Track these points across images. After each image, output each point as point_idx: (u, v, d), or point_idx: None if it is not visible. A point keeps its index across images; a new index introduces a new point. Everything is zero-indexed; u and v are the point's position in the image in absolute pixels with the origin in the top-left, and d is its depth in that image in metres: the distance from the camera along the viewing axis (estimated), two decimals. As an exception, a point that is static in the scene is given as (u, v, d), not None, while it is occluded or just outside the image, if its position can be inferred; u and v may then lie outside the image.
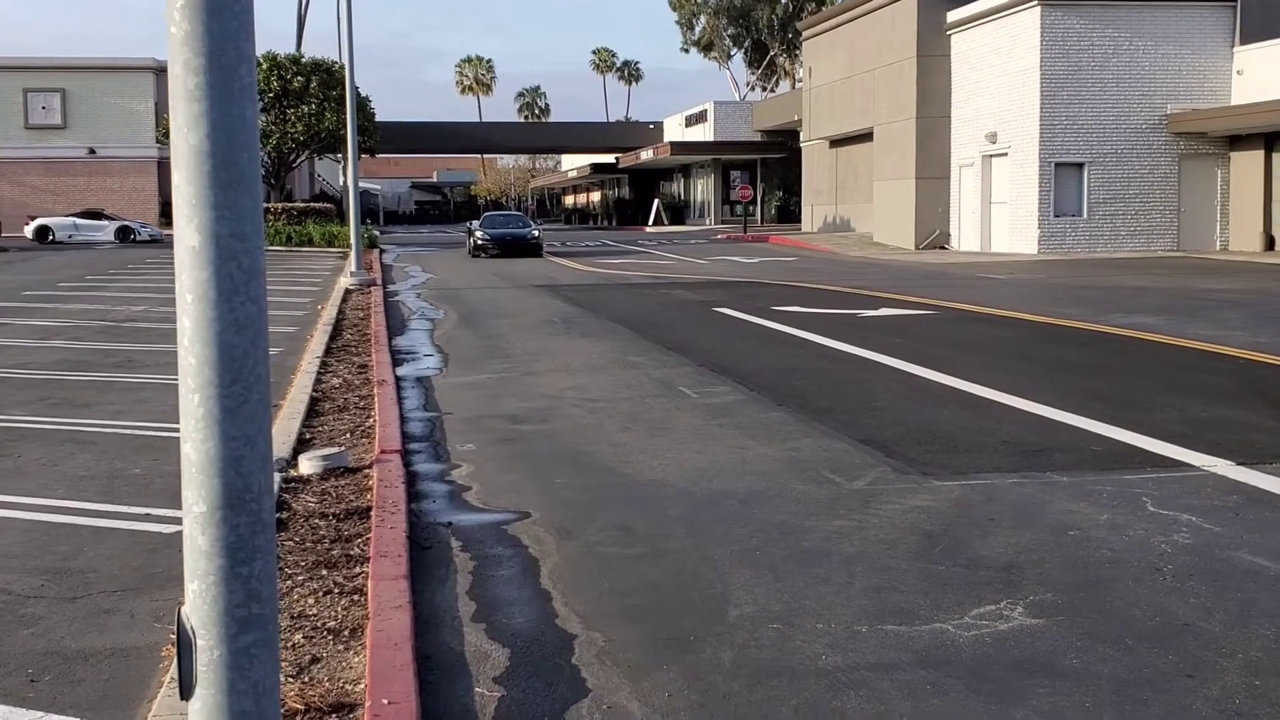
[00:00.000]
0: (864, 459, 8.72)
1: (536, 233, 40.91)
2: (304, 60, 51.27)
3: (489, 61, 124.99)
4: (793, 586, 5.90)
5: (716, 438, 9.68)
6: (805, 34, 53.79)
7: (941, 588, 5.81)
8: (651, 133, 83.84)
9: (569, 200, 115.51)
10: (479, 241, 39.93)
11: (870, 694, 4.62)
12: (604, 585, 6.02)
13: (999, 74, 36.85)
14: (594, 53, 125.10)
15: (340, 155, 53.60)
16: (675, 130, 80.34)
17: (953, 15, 39.52)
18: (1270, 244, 34.15)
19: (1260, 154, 34.45)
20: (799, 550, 6.51)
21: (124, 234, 50.46)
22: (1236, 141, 35.24)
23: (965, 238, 39.59)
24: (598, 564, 6.39)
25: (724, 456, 9.00)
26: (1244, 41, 34.94)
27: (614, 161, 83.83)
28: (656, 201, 78.35)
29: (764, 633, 5.28)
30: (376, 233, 51.60)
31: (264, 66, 48.80)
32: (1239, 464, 8.19)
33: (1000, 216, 37.58)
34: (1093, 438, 9.31)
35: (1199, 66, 35.29)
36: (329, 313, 19.65)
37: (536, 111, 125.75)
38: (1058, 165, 35.20)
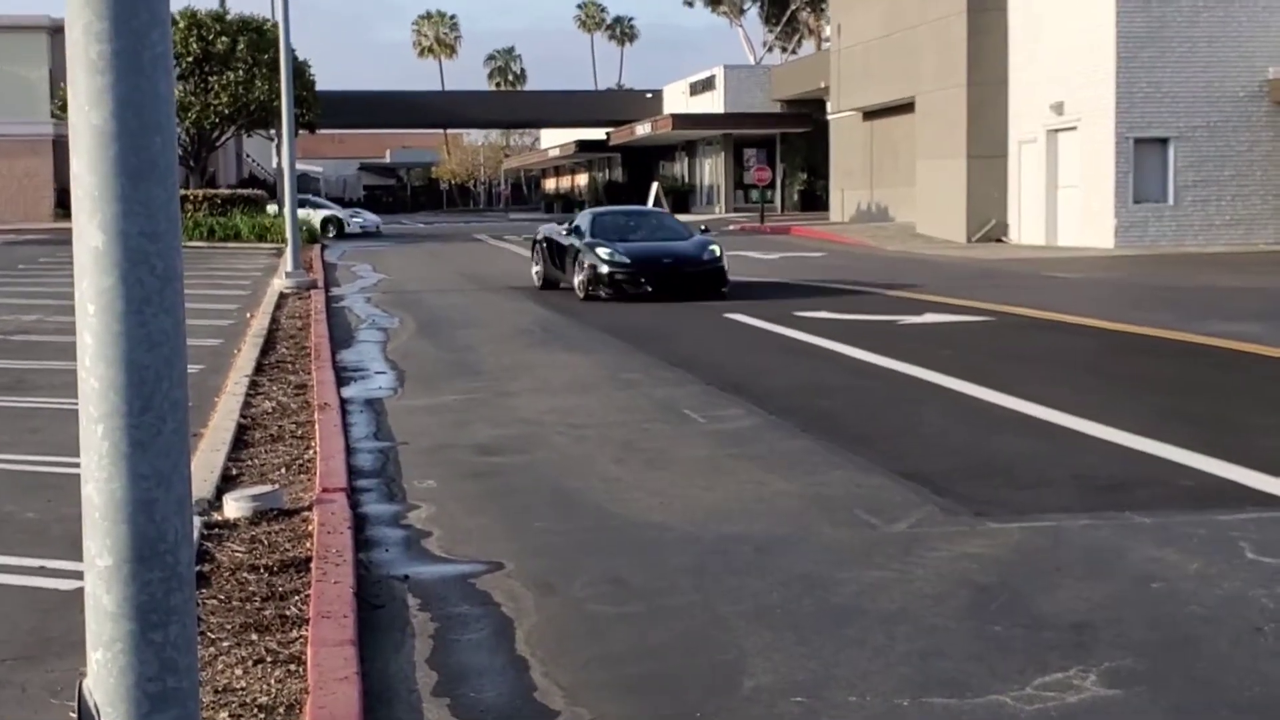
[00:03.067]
0: (906, 497, 8.74)
1: (716, 249, 24.33)
2: (230, 18, 51.53)
3: (452, 18, 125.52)
4: (820, 651, 5.91)
5: (728, 471, 9.70)
6: (833, -17, 53.94)
7: (999, 652, 5.82)
8: (649, 103, 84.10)
9: (550, 184, 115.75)
10: (604, 269, 23.30)
11: (914, 781, 4.63)
12: (592, 651, 6.03)
13: (1067, 31, 36.92)
14: (580, 7, 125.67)
15: (273, 131, 53.69)
16: (677, 100, 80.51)
17: (1011, -38, 39.65)
18: (1394, 235, 34.22)
19: (1381, 126, 34.51)
20: (828, 607, 6.53)
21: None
22: (1352, 111, 35.31)
23: (1027, 228, 39.68)
24: (585, 625, 6.39)
25: (737, 494, 9.02)
26: (1362, -9, 35.03)
27: (604, 138, 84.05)
28: (655, 185, 78.30)
29: (785, 708, 5.29)
30: (318, 224, 51.63)
31: (181, 26, 48.99)
32: (1358, 501, 8.22)
33: (1069, 203, 37.65)
34: (1181, 470, 9.32)
35: (1307, 22, 35.37)
36: (260, 322, 19.68)
37: (510, 78, 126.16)
38: (1137, 141, 35.23)
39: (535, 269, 27.02)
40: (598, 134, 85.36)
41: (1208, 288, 23.71)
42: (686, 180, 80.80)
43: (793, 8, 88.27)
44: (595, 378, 14.48)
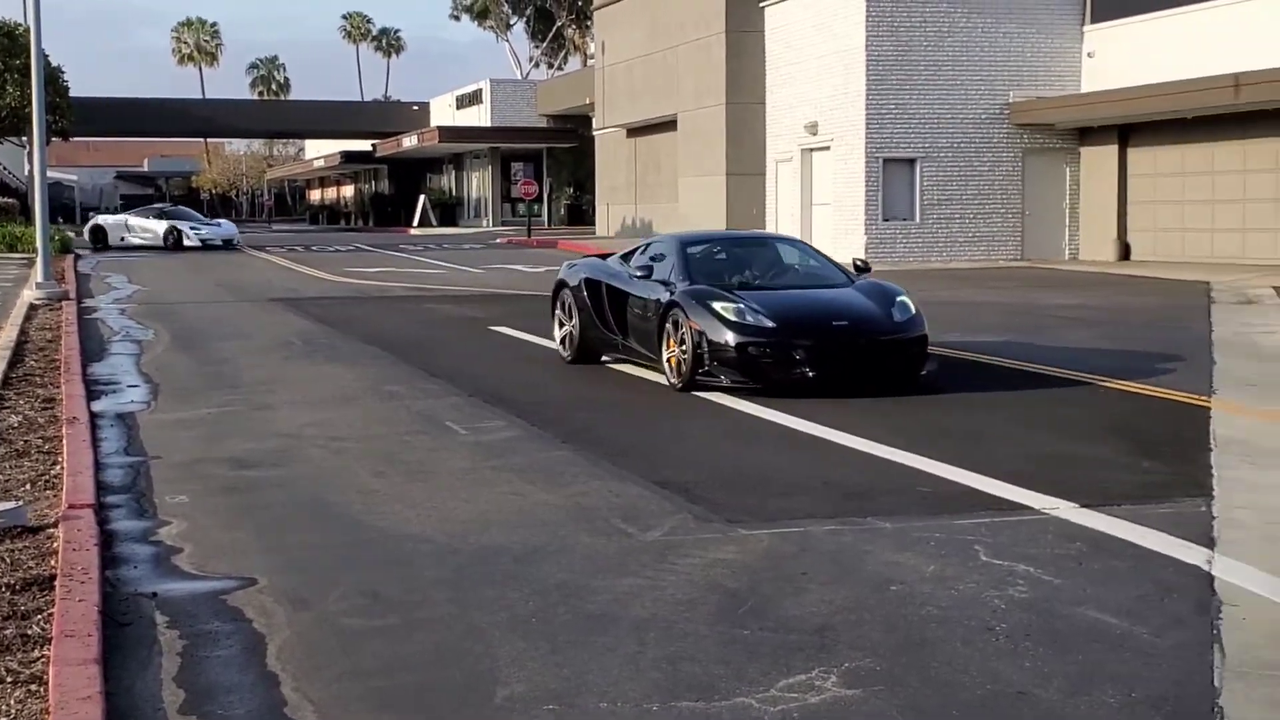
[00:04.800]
0: (662, 505, 8.82)
1: (908, 302, 14.06)
2: (-20, 21, 49.55)
3: (214, 25, 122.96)
4: (573, 659, 5.93)
5: (489, 482, 9.68)
6: (597, 3, 54.26)
7: (746, 655, 5.91)
8: (416, 115, 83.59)
9: (315, 195, 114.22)
10: (729, 338, 13.30)
11: (660, 785, 4.68)
12: (345, 664, 5.95)
13: (820, 55, 37.74)
14: (345, 18, 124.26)
15: (25, 139, 51.81)
16: (444, 113, 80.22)
17: (768, -15, 40.42)
18: (1125, 252, 35.82)
19: (1114, 149, 36.10)
20: (582, 616, 6.55)
21: None
22: (1087, 134, 36.86)
23: (784, 244, 40.40)
24: (338, 639, 6.31)
25: (497, 505, 9.00)
26: (1095, 20, 36.60)
27: (370, 149, 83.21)
28: (423, 198, 78.02)
29: (538, 716, 5.29)
30: (72, 234, 49.98)
31: (-71, 28, 46.98)
32: (1083, 506, 8.54)
33: (823, 220, 38.47)
34: (922, 477, 9.61)
35: (1045, 48, 36.78)
36: (8, 334, 18.99)
37: (274, 87, 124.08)
38: (886, 161, 36.17)
39: (563, 329, 16.13)
40: (364, 145, 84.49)
41: (952, 302, 24.44)
42: (454, 193, 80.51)
43: (559, 24, 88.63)
44: (356, 390, 14.31)
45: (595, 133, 56.73)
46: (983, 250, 36.78)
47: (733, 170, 41.58)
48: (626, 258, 15.64)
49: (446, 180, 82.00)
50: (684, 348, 13.42)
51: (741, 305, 13.44)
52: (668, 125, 46.87)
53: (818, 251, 16.18)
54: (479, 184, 76.20)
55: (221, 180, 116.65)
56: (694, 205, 44.02)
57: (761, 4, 40.64)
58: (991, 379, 14.58)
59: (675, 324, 13.62)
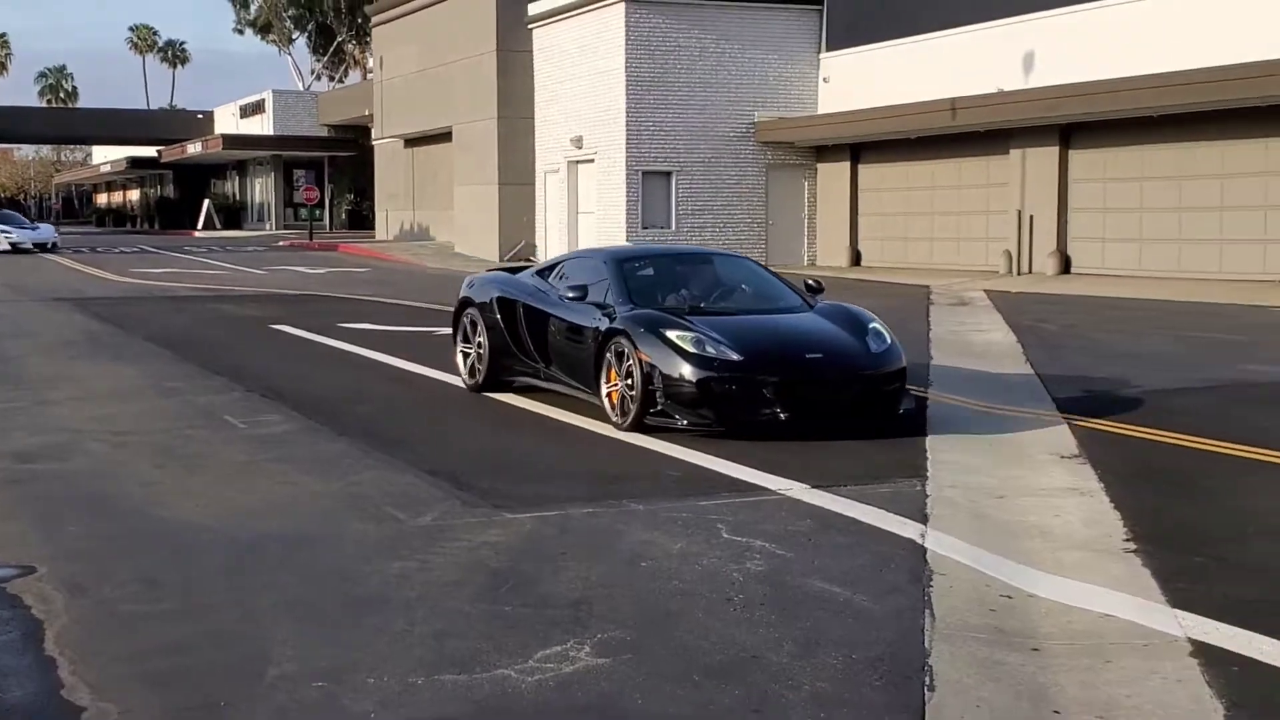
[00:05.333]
0: (432, 493, 8.77)
1: (882, 330, 11.49)
2: None
3: (3, 36, 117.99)
4: (343, 639, 5.86)
5: (267, 474, 9.51)
6: (375, 20, 53.58)
7: (507, 630, 5.92)
8: (200, 123, 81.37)
9: (102, 199, 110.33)
10: (689, 373, 10.59)
11: (423, 753, 4.66)
12: (122, 648, 5.78)
13: (584, 74, 37.92)
14: (132, 29, 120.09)
15: None
16: (228, 121, 78.23)
17: (534, 8, 40.38)
18: (857, 259, 36.80)
19: (846, 165, 37.07)
20: (353, 598, 6.48)
21: None
22: (823, 152, 37.77)
23: (552, 249, 40.48)
24: (117, 624, 6.13)
25: (274, 495, 8.85)
26: (830, 48, 37.51)
27: (156, 155, 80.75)
28: (207, 202, 76.08)
29: (307, 693, 5.22)
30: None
31: None
32: (814, 487, 8.76)
33: (588, 227, 38.67)
34: (673, 462, 9.74)
35: (787, 72, 37.55)
36: None
37: (62, 95, 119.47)
38: (645, 174, 36.53)
39: (468, 355, 13.35)
40: (150, 151, 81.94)
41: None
42: (238, 198, 78.66)
43: (339, 39, 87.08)
44: (139, 386, 13.90)
45: (374, 142, 55.93)
46: (732, 255, 37.29)
47: (505, 180, 41.48)
48: (544, 274, 13.06)
49: (231, 185, 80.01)
50: (630, 382, 10.79)
51: (699, 334, 10.74)
52: (444, 137, 46.48)
53: (767, 269, 13.49)
54: (262, 189, 74.52)
55: (10, 184, 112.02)
56: (469, 212, 43.80)
57: (530, 25, 40.64)
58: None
59: (619, 354, 10.98)
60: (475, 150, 43.02)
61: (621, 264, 12.31)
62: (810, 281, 12.75)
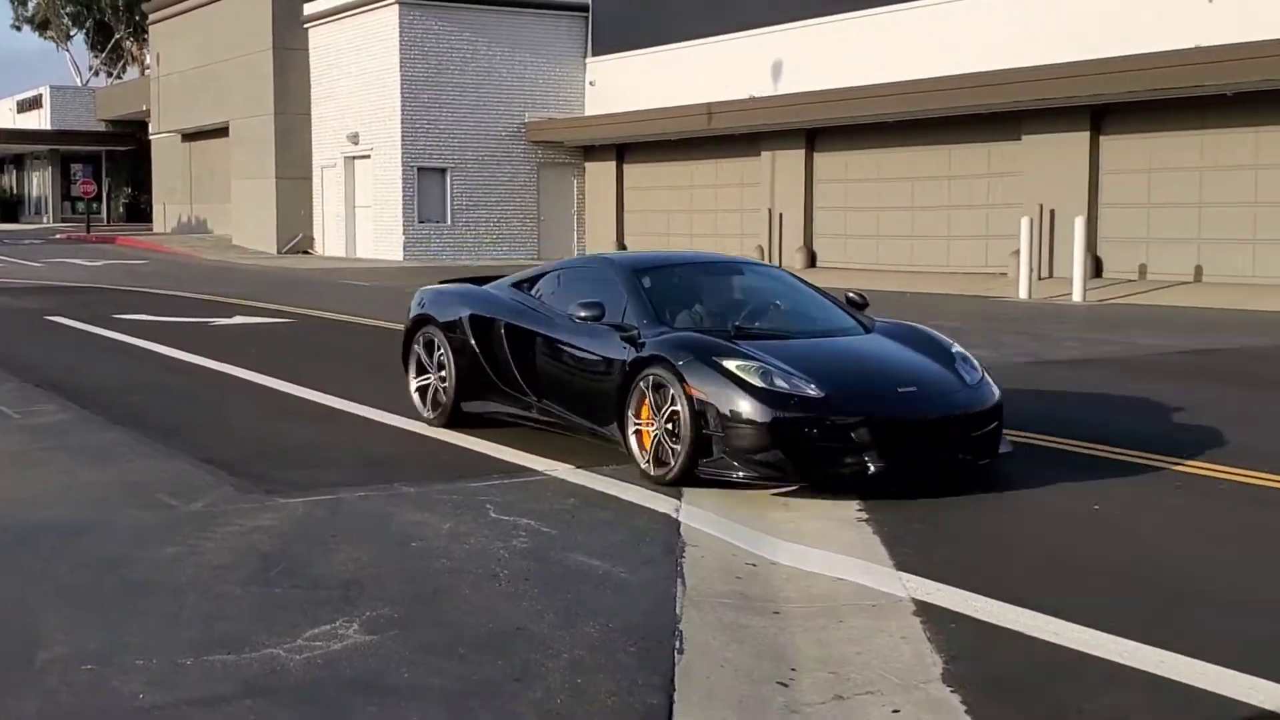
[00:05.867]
0: (206, 479, 8.54)
1: (970, 359, 9.03)
2: None
3: None
4: (115, 623, 5.67)
5: (41, 464, 9.12)
6: (153, 17, 51.78)
7: (276, 611, 5.81)
8: (-24, 118, 77.41)
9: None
10: (760, 414, 7.91)
11: (193, 731, 4.55)
12: (-114, 640, 5.49)
13: (360, 72, 37.33)
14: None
15: None
16: (5, 117, 74.53)
17: (310, 8, 39.59)
18: (622, 251, 37.09)
19: (613, 164, 37.34)
20: (125, 583, 6.28)
21: None
22: (591, 151, 37.97)
23: (330, 242, 39.82)
24: (-119, 616, 5.82)
25: (48, 485, 8.50)
26: (596, 53, 37.71)
27: (-70, 149, 76.56)
28: (-18, 196, 72.55)
29: (76, 675, 5.03)
30: None
31: None
32: (578, 468, 8.79)
33: (364, 221, 38.14)
34: (445, 447, 9.67)
35: (555, 75, 37.61)
36: None
37: None
38: (420, 170, 36.20)
39: (424, 380, 10.61)
40: (-78, 145, 77.63)
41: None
42: (15, 192, 75.15)
43: (117, 36, 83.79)
44: (-91, 378, 13.18)
45: (152, 137, 54.05)
46: (505, 249, 37.30)
47: (282, 174, 40.56)
48: (523, 286, 10.29)
49: (8, 179, 76.35)
50: (674, 425, 8.19)
51: (764, 364, 8.17)
52: (221, 132, 45.16)
53: (804, 281, 10.43)
54: (40, 183, 71.30)
55: None
56: (246, 206, 42.69)
57: (306, 25, 39.80)
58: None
59: (657, 388, 8.35)
60: (252, 145, 41.96)
61: (639, 275, 9.48)
62: (852, 295, 10.01)
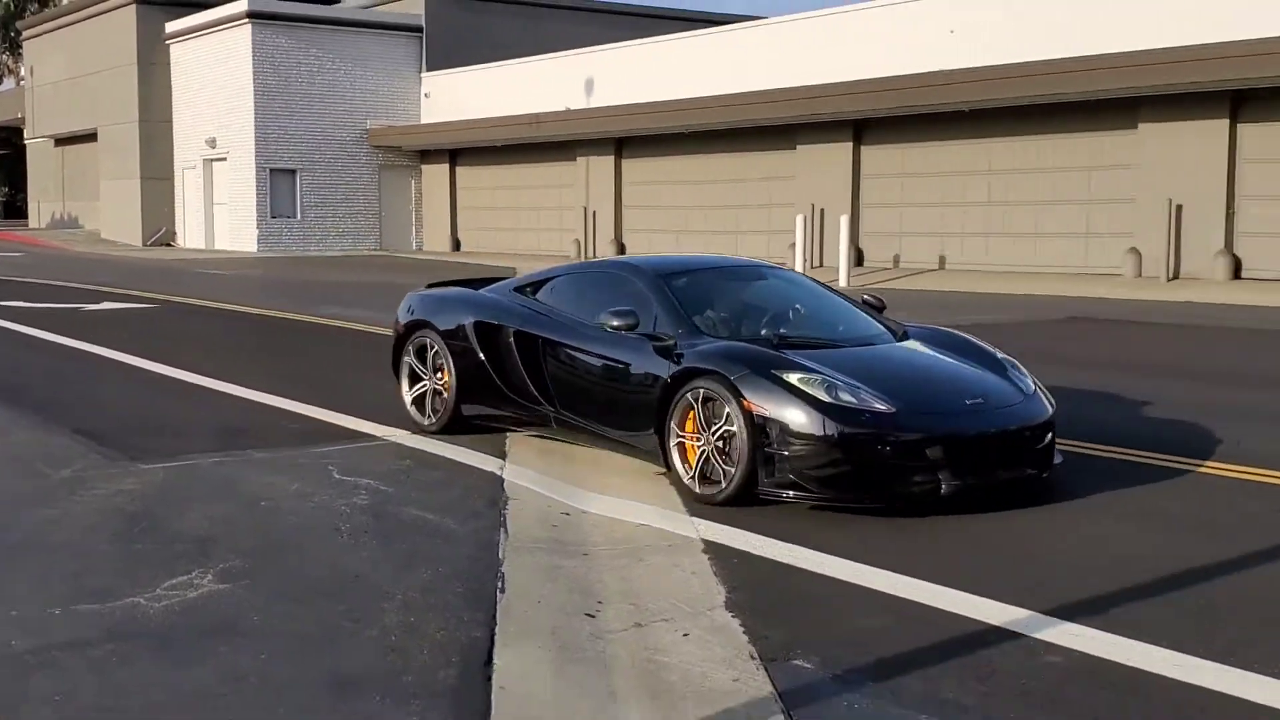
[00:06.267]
0: (78, 450, 8.18)
1: (1021, 369, 7.57)
2: None
3: None
4: (-12, 581, 5.41)
5: (-84, 438, 8.63)
6: (27, 33, 49.40)
7: (138, 565, 5.61)
8: None
9: None
10: (827, 427, 6.46)
11: (59, 672, 4.36)
12: None
13: (217, 84, 36.20)
14: None
15: None
16: (-116, 121, 70.13)
17: (171, 26, 38.24)
18: (457, 245, 36.70)
19: (446, 167, 36.90)
20: (2, 546, 6.00)
21: None
22: (427, 155, 37.45)
23: (191, 236, 38.56)
24: None
25: (-77, 457, 8.05)
26: (430, 68, 37.17)
27: None
28: None
29: (-51, 631, 4.79)
30: None
31: None
32: (415, 433, 8.67)
33: (222, 216, 37.02)
34: (294, 416, 9.45)
35: (394, 88, 37.00)
36: None
37: None
38: (272, 171, 35.31)
39: (423, 393, 8.85)
40: None
41: (323, 282, 24.20)
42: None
43: (-9, 49, 79.46)
44: None
45: (27, 141, 51.50)
46: (350, 242, 36.65)
47: (146, 175, 39.11)
48: (526, 291, 8.66)
49: (-112, 179, 71.98)
50: (731, 445, 6.71)
51: (827, 377, 6.74)
52: (91, 137, 43.32)
53: (824, 284, 8.86)
54: (-82, 182, 67.42)
55: None
56: (114, 204, 41.08)
57: (168, 41, 38.40)
58: (354, 342, 14.56)
59: (707, 403, 6.86)
60: (119, 149, 40.37)
61: (668, 280, 7.93)
62: (869, 298, 8.64)
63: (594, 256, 31.49)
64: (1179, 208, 21.07)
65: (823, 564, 5.73)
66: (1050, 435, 7.08)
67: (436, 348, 8.66)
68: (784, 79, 26.09)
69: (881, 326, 8.05)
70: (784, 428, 6.52)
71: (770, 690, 4.29)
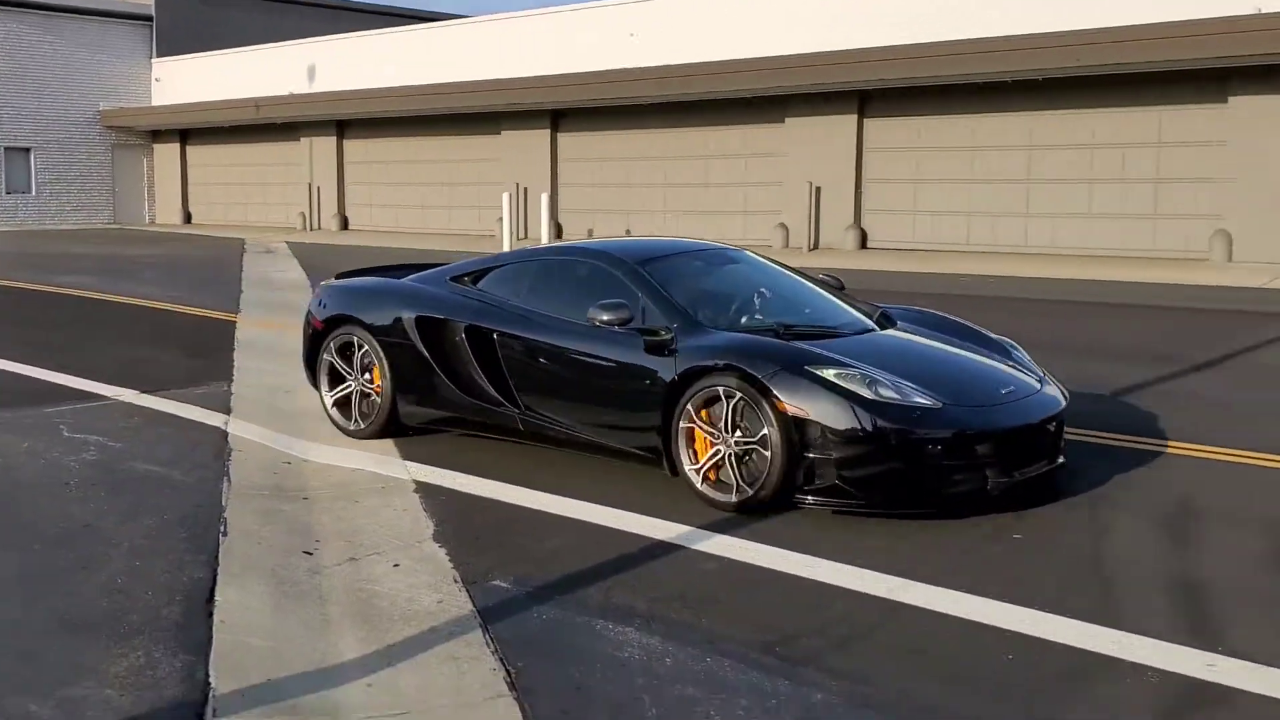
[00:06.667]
0: None
1: (1029, 361, 6.31)
2: None
3: None
4: None
5: None
6: None
7: None
8: None
9: None
10: (871, 423, 5.12)
11: None
12: None
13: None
14: None
15: None
16: None
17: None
18: (188, 218, 34.50)
19: (177, 146, 34.58)
20: None
21: None
22: (158, 135, 34.97)
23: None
24: None
25: None
26: (161, 54, 34.64)
27: None
28: None
29: None
30: None
31: None
32: (143, 392, 8.14)
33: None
34: (25, 380, 8.67)
35: (126, 72, 34.32)
36: None
37: None
38: (8, 149, 32.16)
39: (348, 396, 6.94)
40: None
41: (59, 254, 22.24)
42: None
43: None
44: None
45: None
46: (85, 216, 33.85)
47: None
48: (465, 279, 6.81)
49: None
50: (770, 451, 5.24)
51: (864, 371, 5.39)
52: None
53: (779, 263, 7.18)
54: None
55: None
56: None
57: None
58: (86, 310, 13.45)
59: (727, 403, 5.41)
60: None
61: (646, 267, 6.25)
62: (826, 277, 7.20)
63: (319, 228, 30.30)
64: (818, 189, 22.22)
65: (522, 497, 5.70)
66: (1061, 425, 5.82)
67: (366, 346, 6.80)
68: (490, 71, 25.80)
69: (856, 312, 6.56)
70: (825, 429, 5.17)
71: (471, 608, 4.27)
